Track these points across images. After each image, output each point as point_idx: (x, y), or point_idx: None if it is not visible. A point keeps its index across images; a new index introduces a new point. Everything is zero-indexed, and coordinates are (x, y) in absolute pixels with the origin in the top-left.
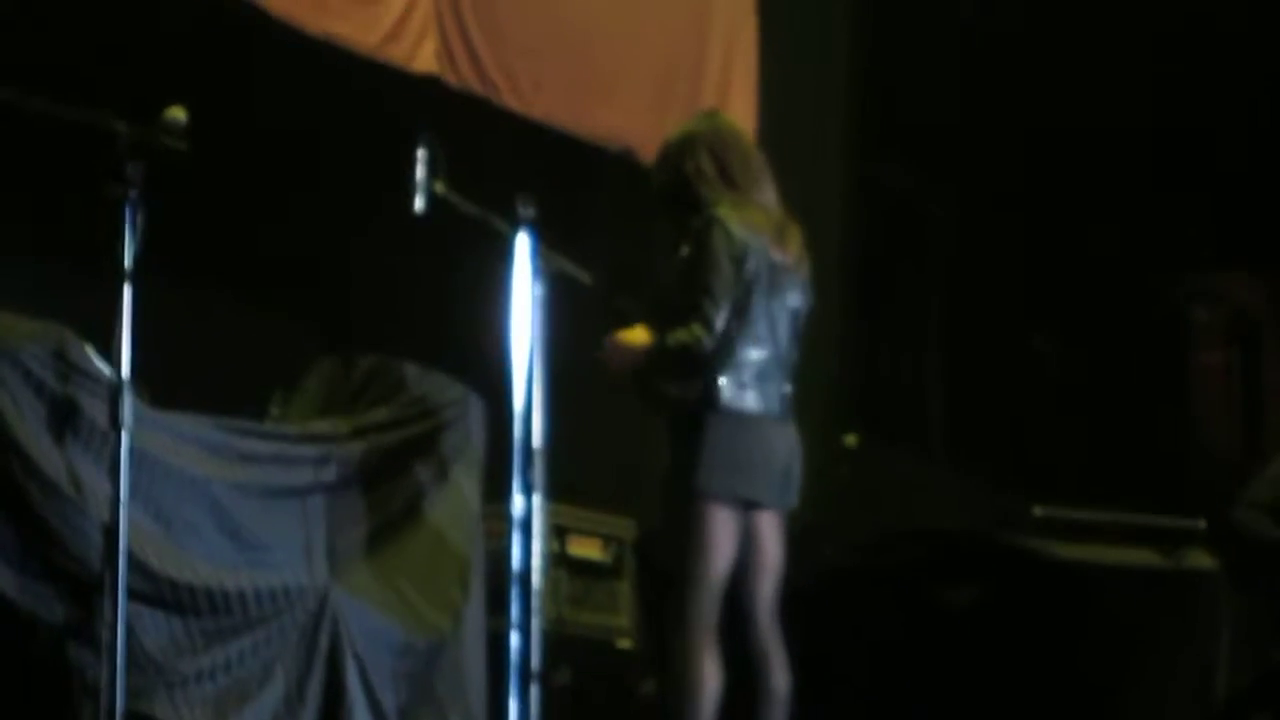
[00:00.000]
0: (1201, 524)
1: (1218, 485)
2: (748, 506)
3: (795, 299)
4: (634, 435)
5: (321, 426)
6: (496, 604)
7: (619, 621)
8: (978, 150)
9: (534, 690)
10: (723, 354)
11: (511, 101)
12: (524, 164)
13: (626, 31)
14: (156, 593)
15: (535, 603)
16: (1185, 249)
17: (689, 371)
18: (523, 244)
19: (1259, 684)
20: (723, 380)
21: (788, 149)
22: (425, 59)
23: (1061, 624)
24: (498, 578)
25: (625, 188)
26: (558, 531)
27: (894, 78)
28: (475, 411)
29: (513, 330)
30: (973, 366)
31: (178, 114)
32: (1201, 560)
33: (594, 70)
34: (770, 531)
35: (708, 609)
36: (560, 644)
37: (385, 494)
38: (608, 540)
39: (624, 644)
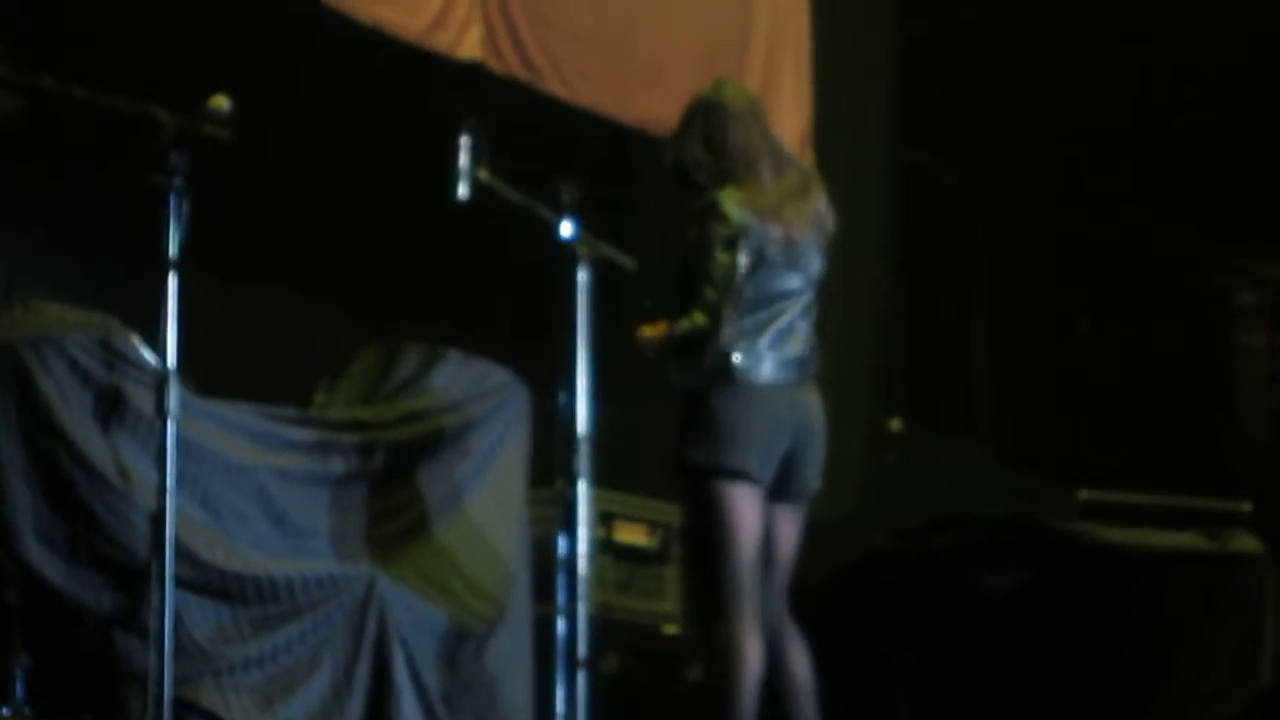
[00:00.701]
0: (1246, 506)
1: (1262, 467)
2: (769, 492)
3: (814, 265)
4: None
5: (366, 414)
6: (543, 590)
7: (666, 607)
8: (1019, 137)
9: (581, 676)
10: (732, 334)
11: (557, 88)
12: (564, 152)
13: (670, 15)
14: (204, 581)
15: (582, 589)
16: (1229, 232)
17: (698, 354)
18: (567, 230)
19: None
20: (736, 357)
21: (832, 136)
22: (470, 46)
23: (1106, 608)
24: (544, 564)
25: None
26: (604, 518)
27: (936, 64)
28: (520, 398)
29: (558, 317)
30: (1018, 352)
31: (221, 102)
32: (1246, 543)
33: (638, 56)
34: (786, 522)
35: (744, 588)
36: (607, 630)
37: (430, 480)
38: (654, 526)
39: (670, 630)
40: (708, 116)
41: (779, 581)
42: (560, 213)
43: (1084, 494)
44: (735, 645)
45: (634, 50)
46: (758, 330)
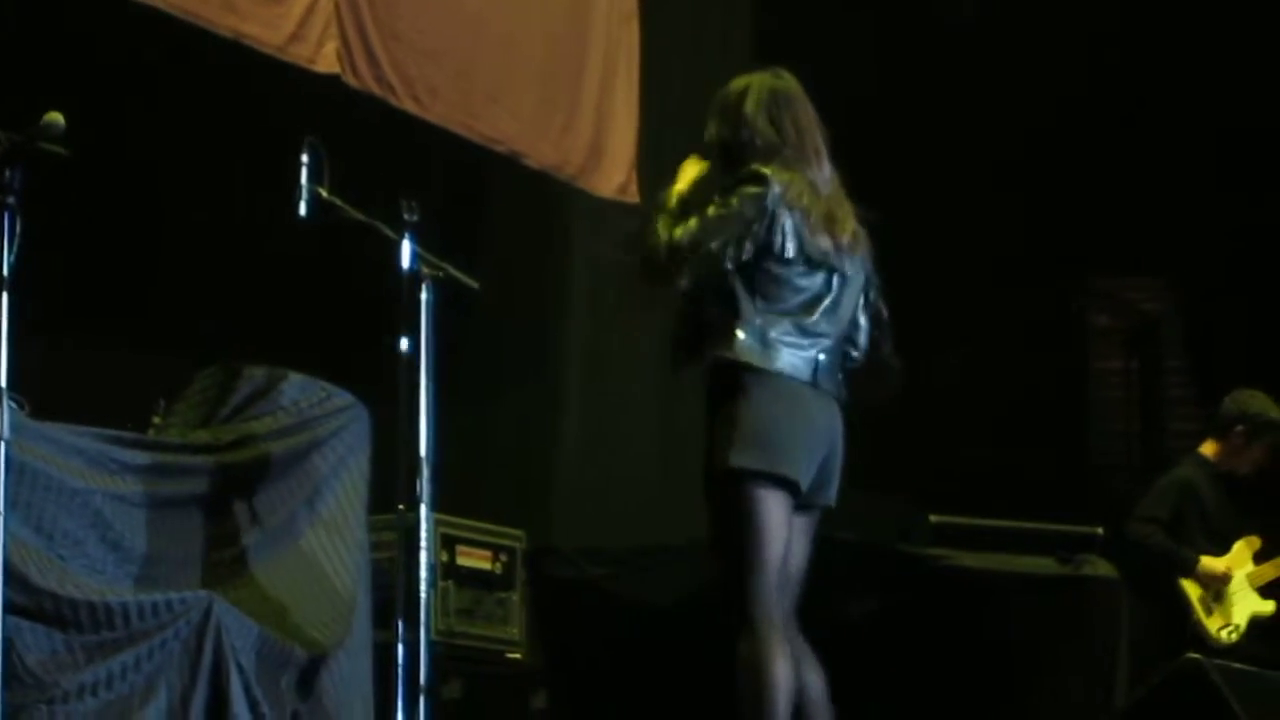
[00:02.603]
0: (1099, 531)
1: (1117, 492)
2: (793, 495)
3: (844, 269)
4: (524, 444)
5: (205, 437)
6: (384, 616)
7: (510, 633)
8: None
9: (423, 704)
10: (745, 315)
11: (408, 104)
12: (419, 169)
13: (511, 36)
14: (37, 606)
15: (423, 615)
16: (1087, 253)
17: (657, 273)
18: (407, 249)
19: (1156, 691)
20: (740, 334)
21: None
22: (328, 59)
23: (960, 632)
24: (386, 590)
25: (516, 192)
26: (447, 542)
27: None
28: (361, 421)
29: (399, 337)
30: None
31: (56, 119)
32: (1099, 567)
33: (482, 74)
34: (799, 534)
35: (771, 601)
36: (450, 656)
37: (270, 504)
38: (498, 551)
39: (515, 656)
40: (773, 96)
41: (791, 595)
42: (402, 231)
43: (935, 518)
44: (766, 662)
45: (478, 69)
46: (778, 319)
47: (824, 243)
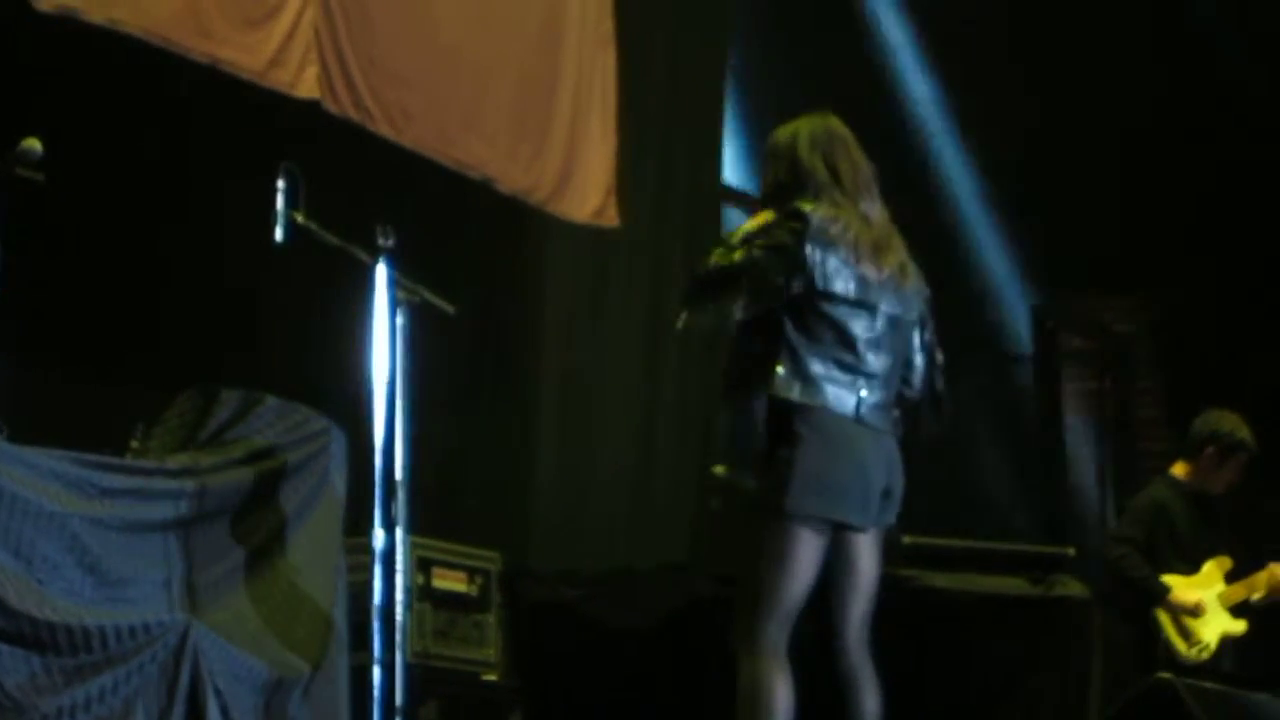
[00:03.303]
0: (1070, 551)
1: (1089, 512)
2: (836, 526)
3: (891, 307)
4: (500, 467)
5: (182, 460)
6: (360, 639)
7: (486, 654)
8: None
9: None
10: (787, 351)
11: (384, 129)
12: (398, 194)
13: (484, 63)
14: (15, 630)
15: (399, 637)
16: (1058, 273)
17: (705, 295)
18: (382, 274)
19: (1127, 709)
20: (780, 370)
21: (668, 187)
22: (308, 85)
23: (933, 653)
24: (361, 612)
25: (493, 216)
26: (422, 564)
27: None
28: (337, 444)
29: (374, 362)
30: None
31: (33, 144)
32: (1071, 587)
33: (457, 101)
34: (865, 550)
35: (780, 632)
36: (426, 678)
37: (247, 527)
38: (473, 573)
39: (490, 677)
40: (826, 135)
41: (858, 612)
42: (376, 255)
43: (908, 538)
44: (766, 686)
45: (452, 96)
46: (820, 356)
47: (870, 272)
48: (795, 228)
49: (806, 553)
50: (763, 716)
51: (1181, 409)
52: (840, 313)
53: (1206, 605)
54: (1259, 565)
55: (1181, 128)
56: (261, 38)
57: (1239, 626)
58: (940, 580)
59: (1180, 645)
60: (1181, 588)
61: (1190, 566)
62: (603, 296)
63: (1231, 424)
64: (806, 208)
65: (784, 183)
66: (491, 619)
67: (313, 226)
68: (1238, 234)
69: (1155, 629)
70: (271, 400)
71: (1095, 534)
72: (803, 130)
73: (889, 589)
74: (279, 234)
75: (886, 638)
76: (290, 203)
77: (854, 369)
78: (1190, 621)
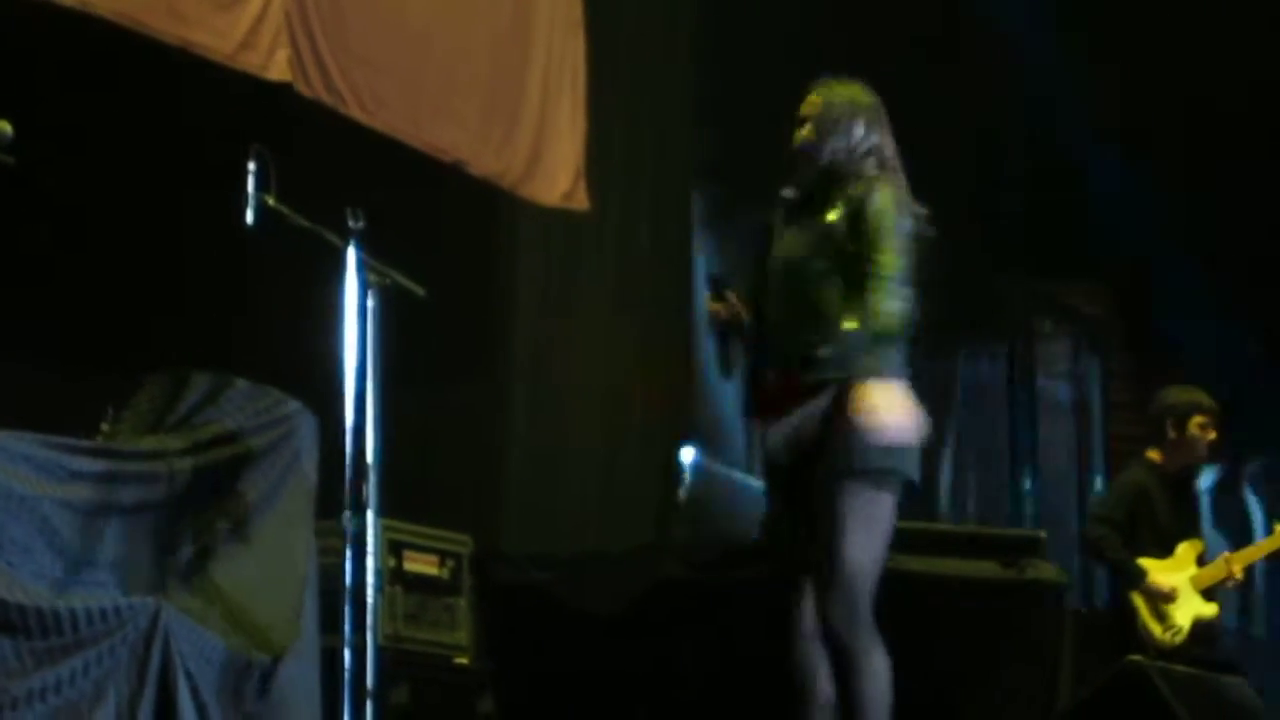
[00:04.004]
0: (1043, 535)
1: (1061, 496)
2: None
3: None
4: (471, 449)
5: (152, 443)
6: (331, 622)
7: (457, 638)
8: None
9: (370, 708)
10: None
11: (356, 112)
12: (369, 176)
13: (456, 47)
14: None
15: (370, 620)
16: (1030, 260)
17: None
18: (353, 257)
19: (1099, 693)
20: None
21: (637, 165)
22: (279, 68)
23: (905, 636)
24: (332, 595)
25: (464, 198)
26: (393, 547)
27: (734, 91)
28: (308, 427)
29: (345, 344)
30: None
31: (4, 127)
32: (1043, 571)
33: (429, 85)
34: None
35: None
36: (397, 661)
37: (217, 511)
38: (444, 556)
39: (461, 660)
40: (879, 115)
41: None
42: (347, 238)
43: None
44: (881, 661)
45: (423, 80)
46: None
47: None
48: (893, 205)
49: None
50: (886, 695)
51: (1153, 391)
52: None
53: (1180, 590)
54: (1233, 546)
55: (1151, 110)
56: (232, 20)
57: (1211, 610)
58: (913, 564)
59: (1155, 628)
60: (1157, 572)
61: (1164, 550)
62: (573, 279)
63: (1179, 394)
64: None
65: (845, 153)
66: (463, 602)
67: (283, 209)
68: (1211, 217)
69: (1130, 611)
70: (242, 383)
71: (1068, 518)
72: (861, 101)
73: None
74: (250, 217)
75: None
76: (261, 185)
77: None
78: (1165, 605)
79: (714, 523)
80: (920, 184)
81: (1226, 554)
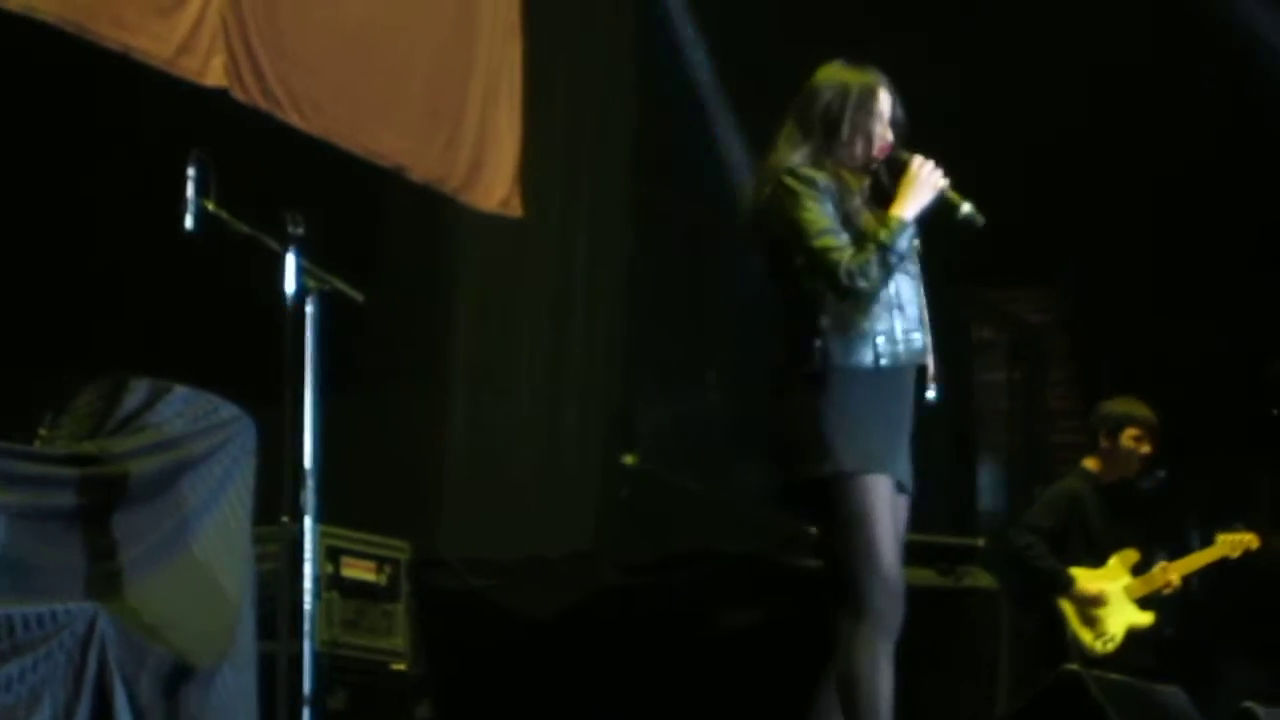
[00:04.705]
0: (980, 543)
1: (999, 504)
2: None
3: None
4: (410, 455)
5: (91, 448)
6: (269, 628)
7: (394, 644)
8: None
9: (307, 714)
10: None
11: (293, 117)
12: (310, 181)
13: (397, 52)
14: None
15: (307, 626)
16: (969, 265)
17: None
18: (292, 262)
19: (1035, 701)
20: None
21: (576, 170)
22: (215, 73)
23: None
24: (270, 601)
25: (405, 204)
26: (331, 553)
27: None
28: (247, 433)
29: (284, 350)
30: (754, 385)
31: None
32: (980, 578)
33: (369, 90)
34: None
35: None
36: (334, 667)
37: (155, 516)
38: (382, 562)
39: (399, 667)
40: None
41: None
42: (286, 243)
43: (816, 529)
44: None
45: (363, 85)
46: None
47: None
48: None
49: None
50: (867, 704)
51: (1094, 400)
52: None
53: (1109, 596)
54: (1172, 555)
55: (1093, 117)
56: (170, 25)
57: (1147, 618)
58: None
59: (1086, 636)
60: (1084, 579)
61: (1099, 560)
62: (512, 284)
63: (1116, 405)
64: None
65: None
66: (400, 608)
67: (223, 214)
68: (1151, 222)
69: (1060, 620)
70: (180, 388)
71: (1006, 526)
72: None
73: (795, 579)
74: (189, 222)
75: (796, 629)
76: (200, 190)
77: None
78: (1096, 612)
79: (654, 528)
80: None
81: (1164, 562)
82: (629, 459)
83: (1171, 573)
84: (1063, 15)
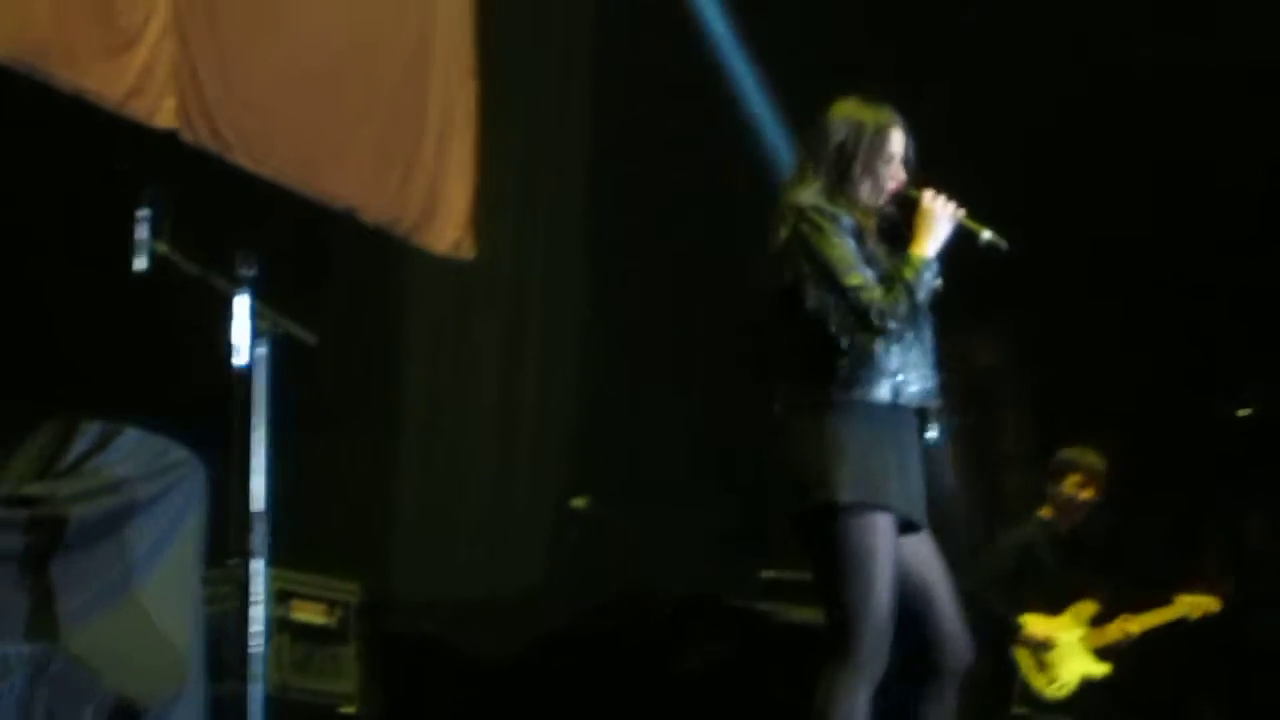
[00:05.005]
0: None
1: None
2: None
3: None
4: (361, 496)
5: (40, 490)
6: (219, 670)
7: (344, 687)
8: (720, 208)
9: None
10: None
11: (243, 159)
12: (260, 223)
13: (351, 94)
14: None
15: (257, 668)
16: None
17: None
18: (243, 304)
19: None
20: None
21: (529, 211)
22: (166, 115)
23: (788, 685)
24: (220, 643)
25: (356, 245)
26: (281, 596)
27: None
28: (197, 475)
29: (235, 392)
30: (710, 430)
31: None
32: None
33: (320, 132)
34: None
35: None
36: (284, 710)
37: (105, 557)
38: (333, 604)
39: (348, 710)
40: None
41: None
42: (238, 285)
43: (766, 572)
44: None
45: (315, 126)
46: None
47: None
48: None
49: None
50: None
51: (1047, 444)
52: None
53: (1060, 642)
54: (1133, 606)
55: (1046, 150)
56: (121, 67)
57: (1103, 669)
58: (796, 614)
59: (1038, 682)
60: (1035, 625)
61: (1053, 608)
62: (464, 323)
63: (1065, 452)
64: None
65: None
66: (351, 651)
67: (174, 256)
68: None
69: (1012, 666)
70: (131, 431)
71: (959, 570)
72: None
73: (744, 623)
74: (141, 262)
75: (743, 672)
76: (153, 231)
77: None
78: (1048, 658)
79: (604, 571)
80: None
81: (1125, 615)
82: (579, 502)
83: (1132, 625)
84: (999, 77)
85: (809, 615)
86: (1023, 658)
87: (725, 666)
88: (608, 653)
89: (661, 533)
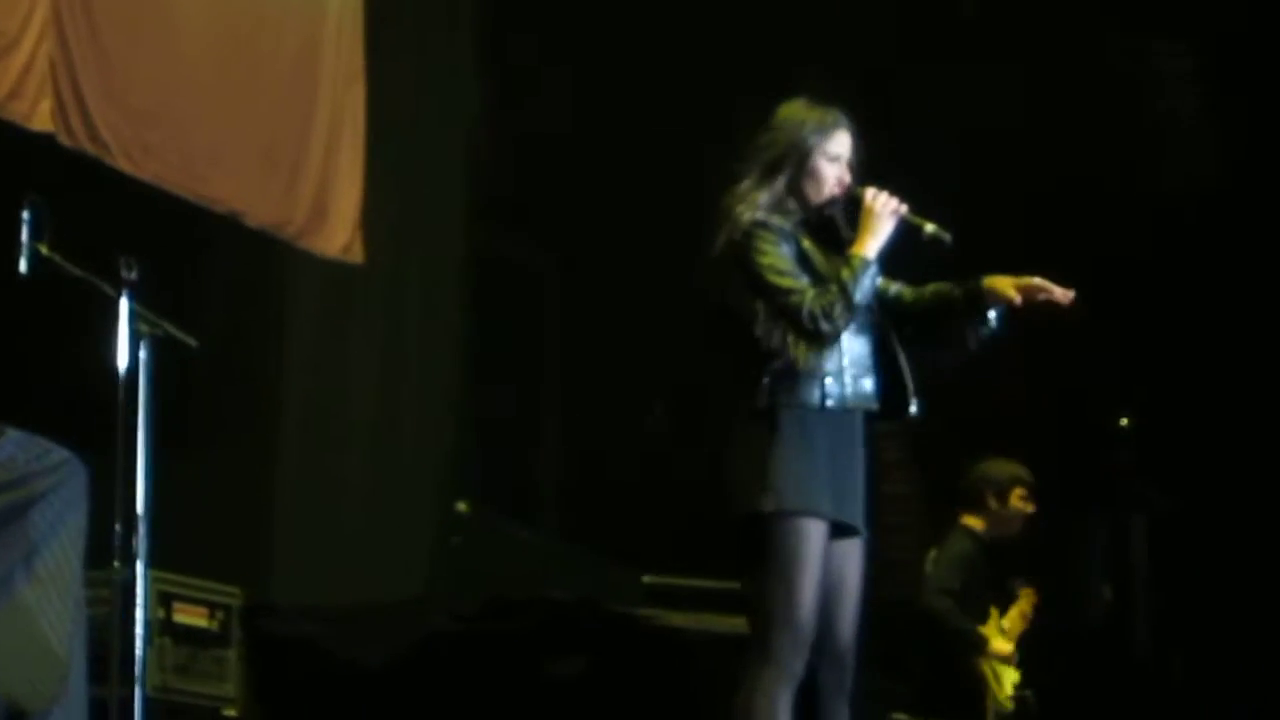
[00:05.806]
0: None
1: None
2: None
3: None
4: (242, 500)
5: None
6: (100, 672)
7: (226, 690)
8: (600, 219)
9: None
10: None
11: (122, 163)
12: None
13: (234, 96)
14: None
15: (139, 671)
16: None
17: None
18: (125, 307)
19: None
20: None
21: (408, 220)
22: (42, 117)
23: (670, 692)
24: (102, 645)
25: (238, 249)
26: (163, 599)
27: (514, 147)
28: (78, 477)
29: (116, 394)
30: (588, 436)
31: None
32: None
33: (202, 135)
34: None
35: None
36: (165, 713)
37: None
38: (214, 608)
39: (230, 713)
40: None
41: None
42: (119, 288)
43: (648, 578)
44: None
45: (197, 131)
46: None
47: None
48: None
49: None
50: None
51: (926, 450)
52: None
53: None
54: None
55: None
56: (3, 67)
57: (1009, 647)
58: (678, 619)
59: (1001, 694)
60: (994, 638)
61: (984, 619)
62: (344, 327)
63: (999, 466)
64: None
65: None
66: (232, 654)
67: (56, 258)
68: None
69: (978, 679)
70: (12, 432)
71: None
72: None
73: (624, 627)
74: (23, 265)
75: (623, 676)
76: (35, 234)
77: None
78: (1001, 669)
79: (486, 576)
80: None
81: (1021, 608)
82: (461, 506)
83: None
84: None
85: (686, 620)
86: (988, 671)
87: (604, 671)
88: (487, 657)
89: (543, 537)
